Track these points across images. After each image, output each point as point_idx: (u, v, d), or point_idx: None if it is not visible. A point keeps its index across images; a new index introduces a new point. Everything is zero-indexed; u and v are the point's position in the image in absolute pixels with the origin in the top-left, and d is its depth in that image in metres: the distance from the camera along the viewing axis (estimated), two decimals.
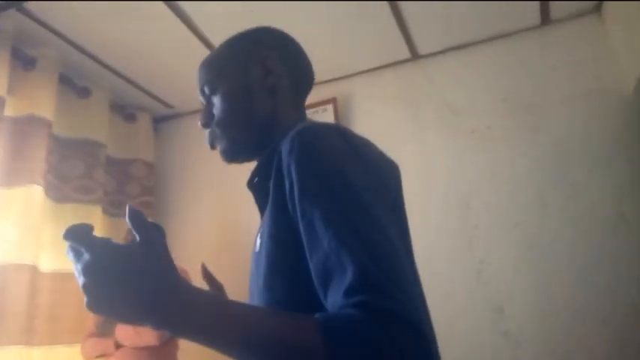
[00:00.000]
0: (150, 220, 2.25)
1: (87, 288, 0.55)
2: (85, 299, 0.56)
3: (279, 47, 0.91)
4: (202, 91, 0.92)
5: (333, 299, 0.60)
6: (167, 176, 2.86)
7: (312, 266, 0.64)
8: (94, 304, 0.56)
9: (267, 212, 0.76)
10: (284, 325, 0.59)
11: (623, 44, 2.05)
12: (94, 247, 0.56)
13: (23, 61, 2.13)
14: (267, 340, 0.57)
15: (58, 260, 2.10)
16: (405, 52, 2.44)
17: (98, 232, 2.05)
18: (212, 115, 0.89)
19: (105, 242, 0.57)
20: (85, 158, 2.33)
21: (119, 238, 2.29)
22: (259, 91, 0.87)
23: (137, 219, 0.60)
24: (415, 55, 2.47)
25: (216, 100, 0.88)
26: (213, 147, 0.90)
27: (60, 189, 2.22)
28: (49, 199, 2.10)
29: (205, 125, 0.90)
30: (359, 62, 2.52)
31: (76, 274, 0.57)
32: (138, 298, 0.55)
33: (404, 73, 2.51)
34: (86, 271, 0.55)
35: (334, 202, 0.64)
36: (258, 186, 0.88)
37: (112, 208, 2.50)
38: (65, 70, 2.31)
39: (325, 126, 0.75)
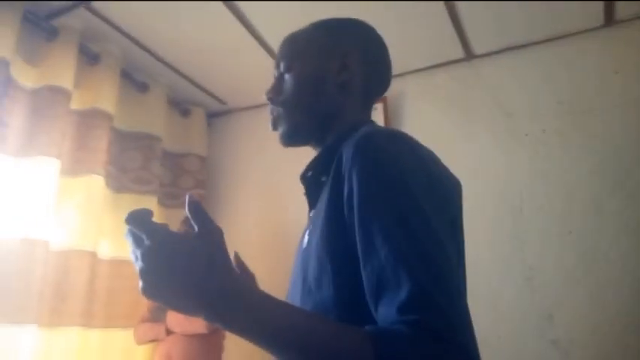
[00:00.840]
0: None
1: (144, 274, 0.56)
2: (140, 284, 0.57)
3: (362, 45, 0.92)
4: (278, 65, 0.93)
5: (385, 312, 0.60)
6: (219, 170, 2.93)
7: (364, 275, 0.64)
8: (148, 291, 0.57)
9: (319, 211, 0.76)
10: (338, 333, 0.58)
11: None
12: (155, 234, 0.57)
13: (88, 57, 2.23)
14: (320, 347, 0.57)
15: (116, 248, 2.20)
16: (458, 52, 2.40)
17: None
18: (280, 92, 0.90)
19: (166, 230, 0.59)
20: (142, 151, 2.42)
21: (173, 228, 2.38)
22: (331, 83, 0.88)
23: (197, 210, 0.62)
24: (469, 55, 2.43)
25: (288, 79, 0.89)
26: (274, 128, 0.91)
27: (119, 179, 2.32)
28: (108, 189, 2.21)
29: (270, 99, 0.91)
30: (411, 61, 2.50)
31: (134, 258, 0.58)
32: (193, 290, 0.56)
33: (457, 74, 2.47)
34: (145, 257, 0.56)
35: (395, 215, 0.63)
36: (311, 179, 0.88)
37: (166, 200, 2.59)
38: (126, 65, 2.41)
39: (393, 134, 0.75)
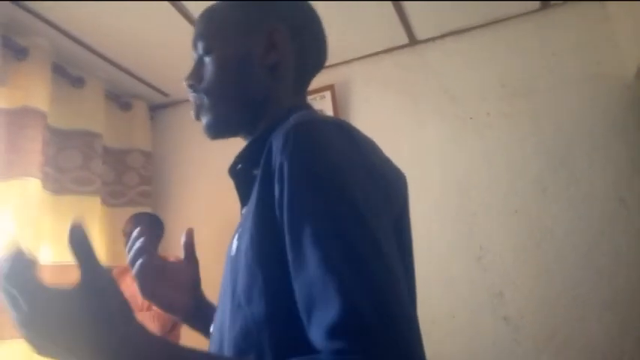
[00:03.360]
0: (149, 211, 2.24)
1: (29, 340, 0.51)
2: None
3: (292, 20, 0.79)
4: (195, 46, 0.80)
5: (314, 335, 0.53)
6: (165, 165, 2.84)
7: (296, 288, 0.56)
8: (41, 353, 0.51)
9: (249, 212, 0.67)
10: None
11: (624, 28, 2.03)
12: (33, 298, 0.49)
13: (15, 51, 2.09)
14: None
15: (58, 252, 2.09)
16: (403, 38, 2.41)
17: (97, 223, 2.04)
18: (201, 78, 0.77)
19: (46, 292, 0.49)
20: (81, 149, 2.30)
21: (119, 227, 2.28)
22: (258, 66, 0.76)
23: (81, 244, 0.50)
24: (413, 41, 2.44)
25: (209, 63, 0.77)
26: (197, 117, 0.80)
27: (57, 181, 2.20)
28: (46, 192, 2.09)
29: (192, 87, 0.78)
30: (357, 48, 2.49)
31: (15, 322, 0.51)
32: (84, 349, 0.50)
33: (402, 59, 2.48)
34: (25, 325, 0.50)
35: (327, 218, 0.55)
36: (241, 173, 0.77)
37: (111, 199, 2.49)
38: (58, 59, 2.27)
39: (327, 121, 0.64)
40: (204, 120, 0.78)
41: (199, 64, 0.79)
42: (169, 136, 2.88)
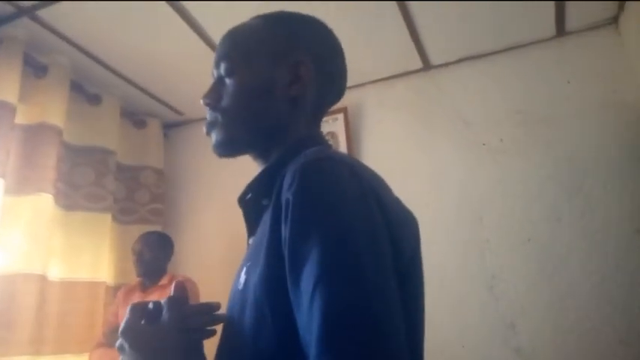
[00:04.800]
0: (158, 229, 2.24)
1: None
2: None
3: (318, 53, 0.79)
4: (217, 65, 0.79)
5: None
6: (177, 183, 2.85)
7: (299, 329, 0.56)
8: None
9: (258, 244, 0.66)
10: None
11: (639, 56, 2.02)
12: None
13: (35, 69, 2.13)
14: None
15: (68, 268, 2.11)
16: (417, 62, 2.42)
17: (107, 240, 2.05)
18: (219, 97, 0.77)
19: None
20: (95, 165, 2.32)
21: (129, 244, 2.29)
22: (280, 96, 0.76)
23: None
24: (427, 66, 2.45)
25: (230, 85, 0.77)
26: (208, 132, 0.79)
27: (70, 197, 2.21)
28: (58, 207, 2.10)
29: (209, 105, 0.78)
30: (370, 72, 2.50)
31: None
32: None
33: (416, 84, 2.49)
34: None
35: (324, 262, 0.54)
36: (250, 203, 0.77)
37: (121, 216, 2.50)
38: (76, 77, 2.31)
39: (337, 160, 0.63)
40: (215, 137, 0.77)
41: (219, 83, 0.79)
42: (182, 154, 2.90)
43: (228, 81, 0.77)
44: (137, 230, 2.38)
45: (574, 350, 1.93)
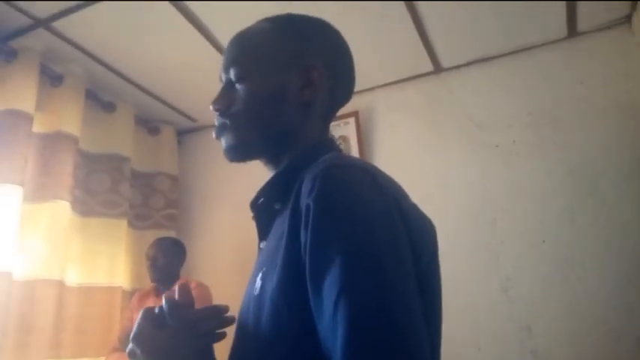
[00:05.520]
0: (172, 235, 2.26)
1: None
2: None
3: (330, 57, 0.79)
4: (226, 69, 0.78)
5: None
6: (191, 189, 2.88)
7: (320, 336, 0.56)
8: None
9: (274, 249, 0.66)
10: None
11: None
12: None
13: (51, 78, 2.17)
14: None
15: (85, 273, 2.14)
16: (427, 65, 2.42)
17: (123, 245, 2.07)
18: (229, 103, 0.76)
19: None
20: (110, 172, 2.36)
21: (144, 249, 2.32)
22: (292, 101, 0.75)
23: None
24: (438, 68, 2.45)
25: (241, 90, 0.75)
26: (218, 137, 0.78)
27: (86, 203, 2.25)
28: (75, 214, 2.14)
29: (219, 111, 0.77)
30: (381, 75, 2.51)
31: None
32: None
33: (427, 87, 2.49)
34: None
35: (347, 269, 0.53)
36: (262, 207, 0.76)
37: (137, 221, 2.53)
38: (91, 85, 2.35)
39: (356, 166, 0.63)
40: (226, 141, 0.77)
41: (228, 88, 0.77)
42: (196, 160, 2.93)
43: (238, 86, 0.76)
44: (152, 235, 2.41)
45: (591, 353, 1.91)
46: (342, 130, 2.56)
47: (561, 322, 1.98)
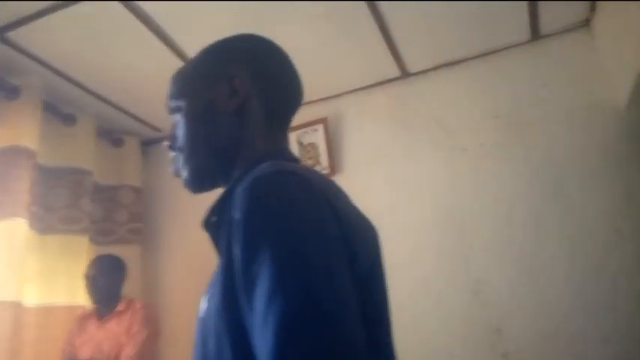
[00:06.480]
0: (137, 250, 2.15)
1: None
2: None
3: (252, 63, 0.80)
4: (168, 108, 0.82)
5: None
6: (156, 201, 2.80)
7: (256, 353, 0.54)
8: None
9: (216, 273, 0.64)
10: None
11: (612, 58, 2.03)
12: None
13: (6, 91, 2.09)
14: None
15: (44, 293, 2.05)
16: (394, 71, 2.42)
17: (85, 262, 1.99)
18: (177, 137, 0.79)
19: None
20: (70, 187, 2.28)
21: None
22: (223, 113, 0.76)
23: None
24: (405, 74, 2.45)
25: (179, 119, 0.79)
26: (177, 175, 0.81)
27: (45, 220, 2.17)
28: (33, 231, 2.05)
29: (171, 148, 0.81)
30: (349, 81, 2.50)
31: None
32: None
33: (394, 92, 2.48)
34: None
35: (277, 278, 0.52)
36: (216, 225, 0.74)
37: (99, 237, 2.45)
38: (50, 97, 2.27)
39: (287, 174, 0.61)
40: (183, 175, 0.79)
41: (175, 125, 0.81)
42: (161, 171, 2.86)
43: (178, 117, 0.80)
44: (116, 251, 2.33)
45: (560, 352, 1.92)
46: (311, 136, 2.54)
47: (530, 323, 1.99)
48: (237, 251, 0.56)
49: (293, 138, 2.55)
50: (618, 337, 1.87)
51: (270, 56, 0.83)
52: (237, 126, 0.77)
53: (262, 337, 0.50)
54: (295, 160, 0.80)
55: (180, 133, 0.79)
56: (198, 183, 0.79)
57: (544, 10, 2.06)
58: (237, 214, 0.58)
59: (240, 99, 0.76)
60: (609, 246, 1.96)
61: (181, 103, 0.79)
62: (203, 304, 0.66)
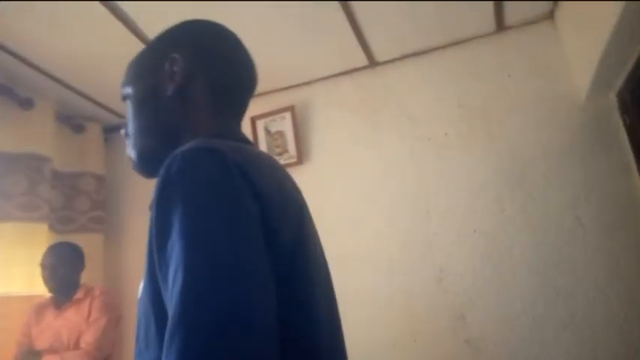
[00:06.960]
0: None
1: None
2: None
3: (195, 46, 0.80)
4: (121, 95, 0.84)
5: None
6: (119, 189, 2.73)
7: None
8: None
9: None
10: None
11: (575, 50, 2.08)
12: None
13: None
14: None
15: (0, 283, 1.97)
16: (362, 60, 2.41)
17: (44, 250, 1.93)
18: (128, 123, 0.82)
19: None
20: (28, 173, 2.19)
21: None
22: (164, 97, 0.77)
23: None
24: (372, 63, 2.45)
25: (129, 106, 0.81)
26: (132, 161, 0.82)
27: (1, 207, 2.08)
28: None
29: (126, 135, 0.82)
30: (317, 70, 2.48)
31: None
32: None
33: (362, 81, 2.49)
34: None
35: (183, 256, 0.52)
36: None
37: (59, 225, 2.37)
38: (5, 80, 2.17)
39: (202, 150, 0.60)
40: (132, 159, 0.81)
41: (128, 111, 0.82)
42: (124, 158, 2.77)
43: (128, 105, 0.81)
44: (77, 239, 2.26)
45: (521, 339, 1.98)
46: (279, 124, 2.52)
47: (493, 309, 2.04)
48: (152, 228, 0.58)
49: (260, 125, 2.52)
50: (577, 324, 1.93)
51: (215, 39, 0.83)
52: (179, 110, 0.77)
53: (170, 312, 0.51)
54: (245, 141, 0.78)
55: (129, 119, 0.80)
56: (144, 165, 0.80)
57: (509, 1, 2.09)
58: (153, 194, 0.59)
59: (178, 80, 0.77)
60: (570, 234, 2.02)
61: (129, 90, 0.81)
62: (140, 286, 0.66)
